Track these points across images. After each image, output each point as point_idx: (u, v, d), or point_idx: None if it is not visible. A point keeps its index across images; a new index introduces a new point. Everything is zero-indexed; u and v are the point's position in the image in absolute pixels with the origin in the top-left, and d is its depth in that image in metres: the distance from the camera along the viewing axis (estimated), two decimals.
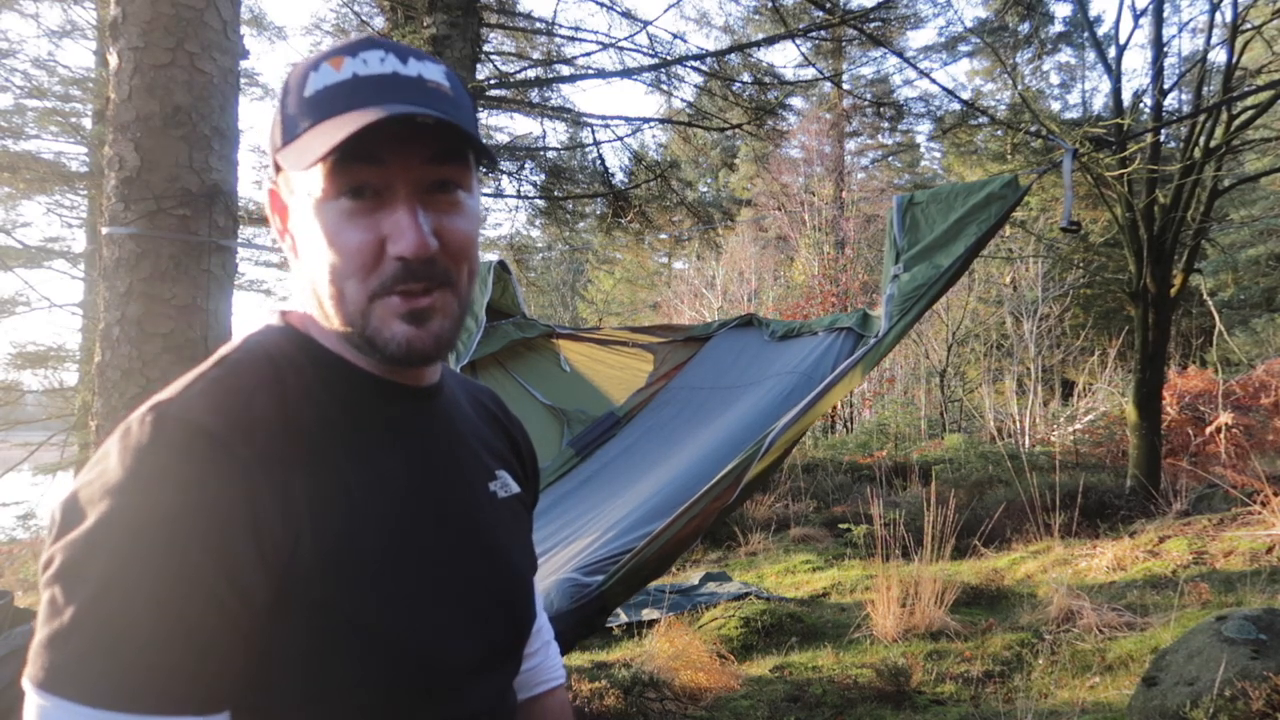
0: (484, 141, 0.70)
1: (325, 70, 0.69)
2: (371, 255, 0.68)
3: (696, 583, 6.24)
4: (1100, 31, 17.02)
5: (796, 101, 19.32)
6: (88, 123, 10.94)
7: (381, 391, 0.74)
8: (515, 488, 0.86)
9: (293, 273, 0.76)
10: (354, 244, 0.68)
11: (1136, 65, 40.93)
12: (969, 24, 19.15)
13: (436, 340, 0.71)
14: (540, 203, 8.86)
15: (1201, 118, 7.38)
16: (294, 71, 0.71)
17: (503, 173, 7.92)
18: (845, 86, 20.29)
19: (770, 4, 8.01)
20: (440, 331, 0.71)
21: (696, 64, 7.53)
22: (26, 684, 0.58)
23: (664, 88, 7.82)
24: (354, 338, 0.71)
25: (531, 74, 7.66)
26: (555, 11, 21.30)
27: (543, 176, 8.30)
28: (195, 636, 0.59)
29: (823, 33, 8.49)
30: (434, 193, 0.69)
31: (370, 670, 0.66)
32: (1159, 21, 7.86)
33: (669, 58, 7.22)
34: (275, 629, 0.63)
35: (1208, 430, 8.66)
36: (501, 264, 4.24)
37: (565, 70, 7.53)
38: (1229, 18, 7.30)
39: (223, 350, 0.73)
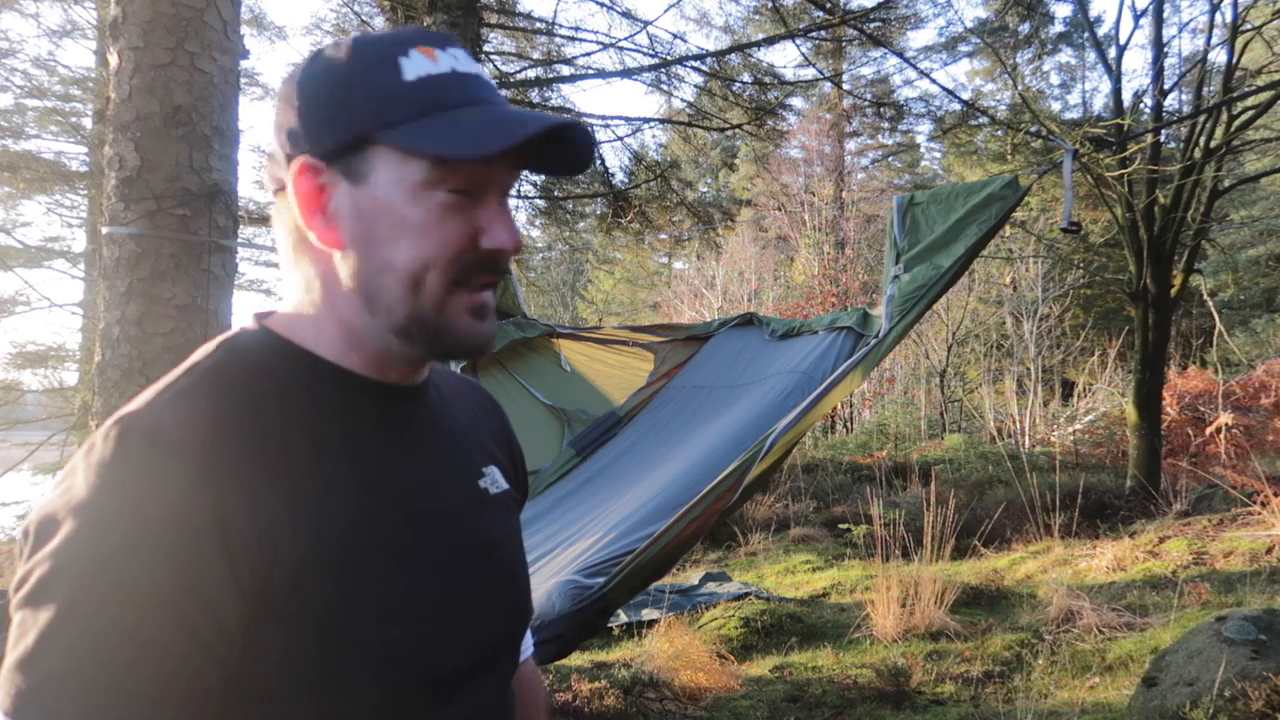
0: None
1: (419, 58, 0.69)
2: (466, 246, 0.70)
3: (696, 583, 6.23)
4: (1100, 32, 17.00)
5: (796, 101, 19.34)
6: (88, 123, 10.93)
7: (369, 392, 0.73)
8: (505, 484, 0.86)
9: (307, 260, 0.73)
10: (453, 234, 0.69)
11: (1136, 65, 40.92)
12: (969, 24, 19.17)
13: (490, 337, 0.74)
14: (540, 202, 8.86)
15: (1201, 118, 7.38)
16: (365, 49, 0.69)
17: None
18: (845, 86, 20.28)
19: (770, 4, 8.01)
20: (493, 330, 0.75)
21: (696, 64, 7.53)
22: None
23: (664, 88, 7.82)
24: (414, 328, 0.70)
25: (531, 74, 7.66)
26: (555, 11, 21.33)
27: (543, 176, 8.29)
28: (163, 658, 0.57)
29: (823, 33, 8.49)
30: (505, 195, 0.74)
31: (368, 677, 0.65)
32: (1159, 22, 7.87)
33: (669, 58, 7.22)
34: (258, 644, 0.62)
35: (1208, 430, 8.66)
36: None
37: (565, 70, 7.53)
38: (1229, 18, 7.31)
39: (194, 358, 0.70)
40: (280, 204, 0.74)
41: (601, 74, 7.17)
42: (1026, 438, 12.88)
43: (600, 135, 8.00)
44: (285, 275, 0.75)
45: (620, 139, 8.13)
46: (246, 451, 0.64)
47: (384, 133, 0.67)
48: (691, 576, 6.52)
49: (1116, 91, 7.81)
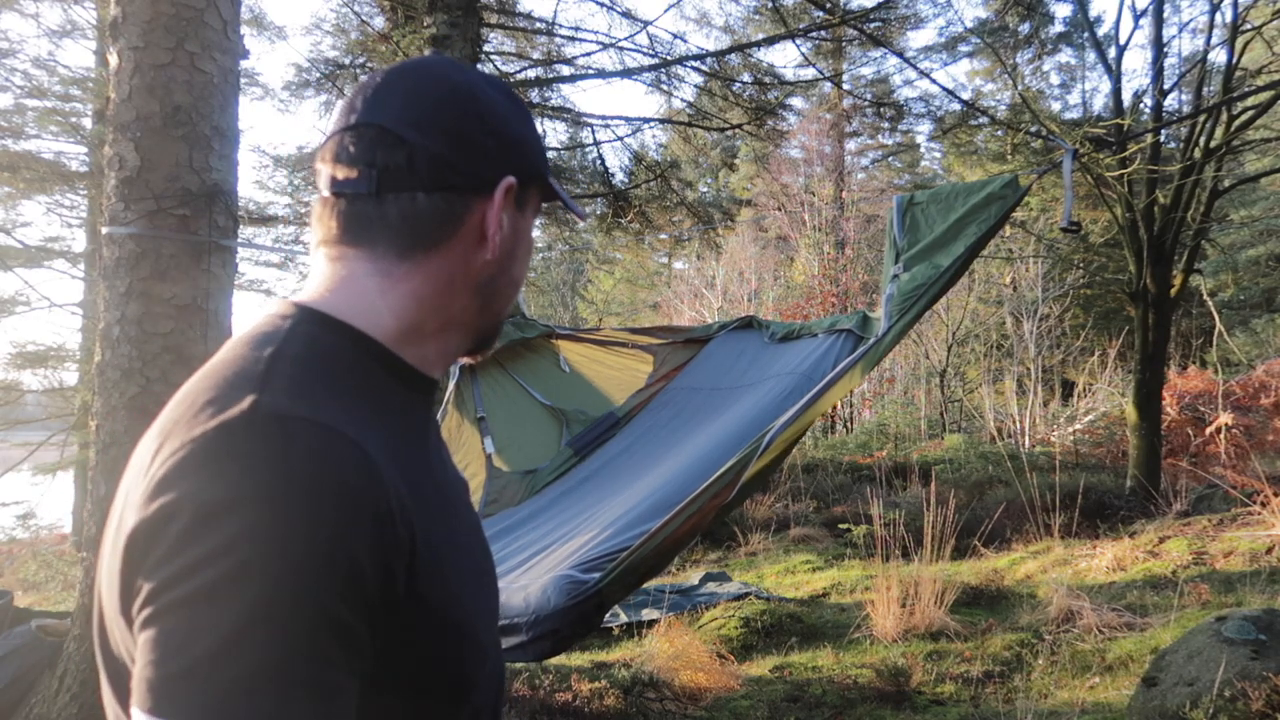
0: None
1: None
2: None
3: (696, 583, 6.23)
4: (1100, 32, 17.01)
5: (796, 101, 19.31)
6: (88, 123, 10.94)
7: (415, 382, 0.76)
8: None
9: (437, 257, 0.75)
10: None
11: (1136, 65, 40.94)
12: (969, 24, 19.18)
13: None
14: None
15: (1201, 118, 7.38)
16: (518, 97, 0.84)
17: None
18: (845, 86, 20.28)
19: (770, 4, 8.01)
20: None
21: (696, 64, 7.53)
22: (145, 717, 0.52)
23: (664, 88, 7.83)
24: (494, 329, 0.84)
25: (531, 74, 7.66)
26: (555, 11, 21.35)
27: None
28: (356, 651, 0.56)
29: (823, 33, 8.50)
30: None
31: (447, 657, 0.68)
32: (1159, 22, 7.87)
33: (669, 58, 7.23)
34: (398, 631, 0.61)
35: (1208, 430, 8.67)
36: None
37: (565, 70, 7.54)
38: (1229, 18, 7.31)
39: (269, 346, 0.66)
40: (371, 199, 0.72)
41: (601, 74, 7.18)
42: (1026, 438, 12.89)
43: (600, 135, 8.01)
44: (330, 262, 0.74)
45: (620, 139, 8.14)
46: (379, 437, 0.64)
47: (549, 177, 0.84)
48: (691, 576, 6.52)
49: (1116, 91, 7.81)
